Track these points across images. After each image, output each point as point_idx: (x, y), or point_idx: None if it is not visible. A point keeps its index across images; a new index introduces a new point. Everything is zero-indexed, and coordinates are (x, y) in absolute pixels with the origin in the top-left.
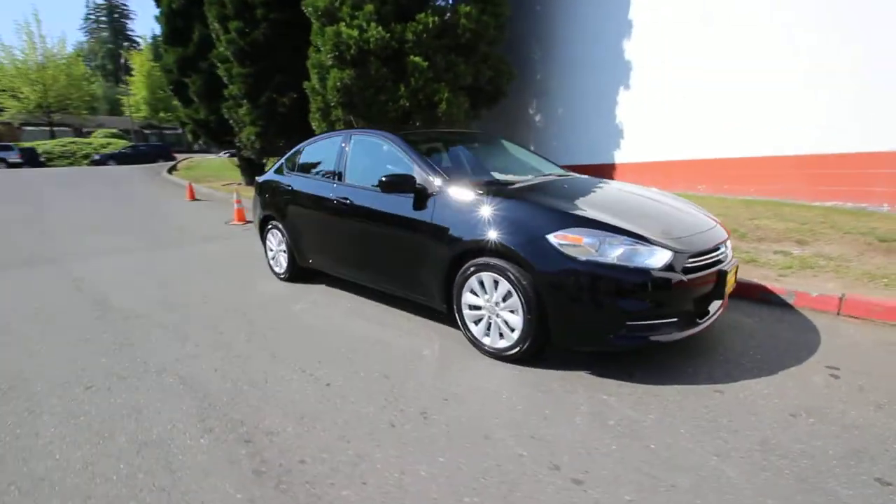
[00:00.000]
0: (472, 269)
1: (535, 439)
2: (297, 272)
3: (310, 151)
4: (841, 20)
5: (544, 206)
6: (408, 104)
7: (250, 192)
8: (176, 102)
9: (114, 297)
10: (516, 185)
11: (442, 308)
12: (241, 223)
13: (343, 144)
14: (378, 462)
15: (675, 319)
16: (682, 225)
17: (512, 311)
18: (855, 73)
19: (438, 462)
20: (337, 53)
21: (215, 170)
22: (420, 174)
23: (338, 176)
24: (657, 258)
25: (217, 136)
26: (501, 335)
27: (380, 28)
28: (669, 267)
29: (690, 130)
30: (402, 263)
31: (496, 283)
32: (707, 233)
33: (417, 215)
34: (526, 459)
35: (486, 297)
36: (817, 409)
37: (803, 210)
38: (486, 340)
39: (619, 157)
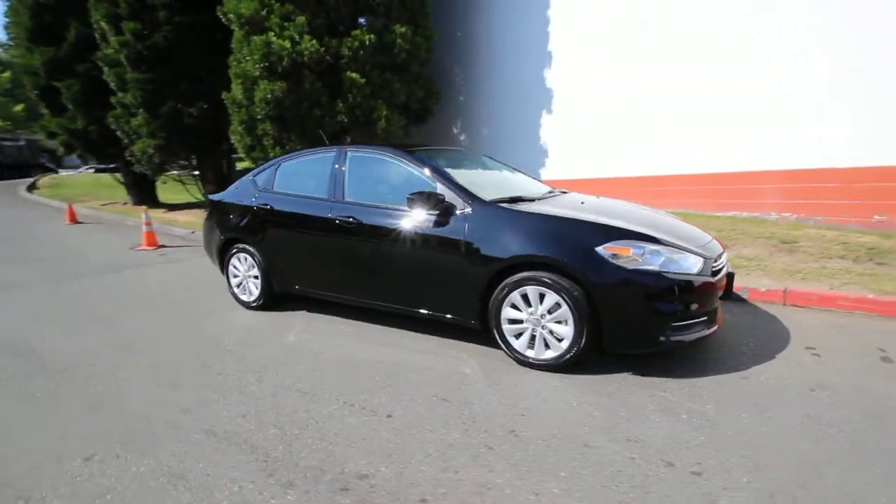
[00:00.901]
0: (514, 283)
1: (632, 441)
2: (272, 299)
3: (290, 169)
4: (716, 51)
5: (587, 221)
6: (346, 120)
7: (156, 213)
8: (44, 111)
9: (37, 342)
10: (539, 201)
11: (473, 325)
12: (153, 248)
13: (337, 162)
14: (504, 487)
15: (705, 318)
16: (696, 234)
17: (558, 322)
18: (734, 103)
19: (562, 477)
20: (267, 64)
21: (86, 187)
22: (445, 191)
23: (335, 194)
24: (692, 264)
25: (96, 149)
26: (547, 346)
27: (314, 41)
28: (702, 271)
29: (611, 151)
30: (428, 282)
31: (542, 296)
32: (713, 241)
33: (446, 232)
34: (639, 461)
35: (530, 310)
36: (824, 383)
37: (713, 220)
38: (530, 353)
39: (545, 174)
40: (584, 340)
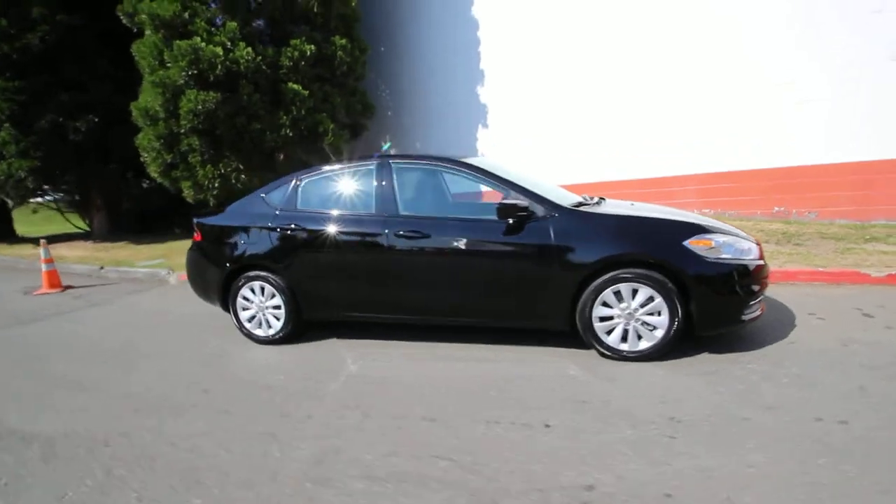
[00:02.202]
0: (606, 282)
1: (772, 408)
2: (298, 329)
3: (315, 186)
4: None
5: (668, 219)
6: (291, 134)
7: (21, 249)
8: None
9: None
10: (596, 205)
11: (562, 327)
12: (58, 290)
13: (380, 175)
14: (718, 468)
15: (761, 297)
16: (729, 225)
17: (651, 314)
18: (659, 116)
19: (752, 448)
20: (195, 72)
21: None
22: (527, 200)
23: (386, 209)
24: (751, 249)
25: None
26: (639, 338)
27: (250, 49)
28: (758, 256)
29: (549, 162)
30: (514, 291)
31: (634, 291)
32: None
33: (534, 240)
34: (796, 423)
35: (622, 305)
36: (845, 339)
37: None
38: (624, 346)
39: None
40: (675, 328)
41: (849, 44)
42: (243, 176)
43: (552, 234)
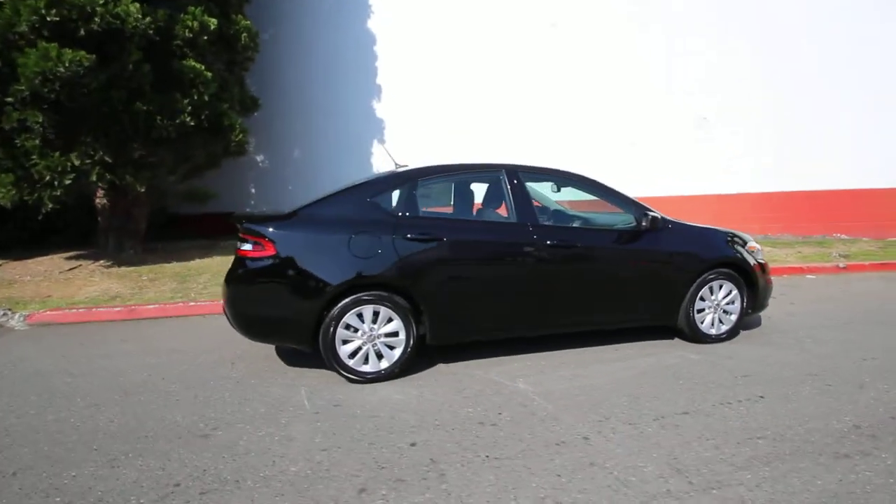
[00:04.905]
0: (706, 280)
1: (820, 374)
2: (414, 357)
3: (437, 188)
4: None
5: (732, 231)
6: (191, 122)
7: None
8: None
9: None
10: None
11: (675, 323)
12: None
13: (512, 183)
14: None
15: None
16: None
17: (730, 303)
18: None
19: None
20: (57, 19)
21: None
22: (640, 211)
23: (524, 218)
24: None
25: None
26: (713, 324)
27: (142, 6)
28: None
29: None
30: (644, 293)
31: (721, 286)
32: None
33: (664, 246)
34: (836, 382)
35: (713, 298)
36: (831, 298)
37: None
38: (713, 331)
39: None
40: (743, 310)
41: None
42: (108, 175)
43: (674, 242)
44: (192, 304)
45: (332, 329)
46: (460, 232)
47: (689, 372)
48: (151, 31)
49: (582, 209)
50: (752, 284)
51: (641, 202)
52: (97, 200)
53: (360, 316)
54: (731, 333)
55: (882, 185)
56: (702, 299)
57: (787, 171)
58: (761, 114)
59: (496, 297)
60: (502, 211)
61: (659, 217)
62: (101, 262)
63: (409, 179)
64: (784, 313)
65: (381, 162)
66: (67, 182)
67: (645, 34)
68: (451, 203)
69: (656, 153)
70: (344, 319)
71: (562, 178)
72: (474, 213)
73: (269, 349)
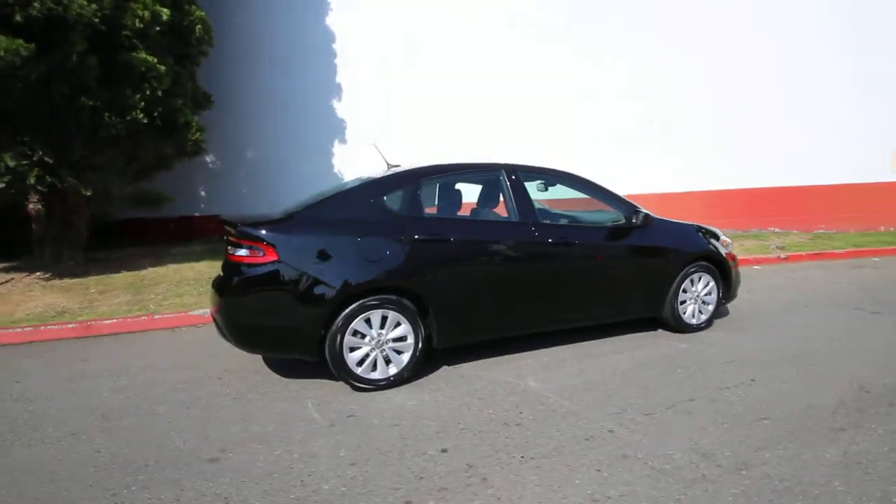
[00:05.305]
0: (687, 273)
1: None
2: (421, 362)
3: (440, 188)
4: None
5: (707, 226)
6: (143, 119)
7: None
8: None
9: None
10: None
11: (661, 314)
12: None
13: (512, 182)
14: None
15: None
16: None
17: (708, 294)
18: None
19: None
20: None
21: None
22: (631, 208)
23: (525, 216)
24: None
25: None
26: (693, 315)
27: None
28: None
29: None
30: (637, 288)
31: (700, 278)
32: None
33: (654, 242)
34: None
35: (693, 289)
36: (782, 297)
37: None
38: (693, 321)
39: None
40: (719, 300)
41: None
42: (49, 177)
43: (662, 237)
44: (158, 317)
45: (340, 336)
46: (467, 232)
47: (683, 360)
48: (98, 20)
49: (562, 208)
50: (727, 276)
51: (630, 200)
52: (31, 206)
53: (367, 321)
54: (709, 323)
55: (809, 183)
56: (684, 291)
57: (728, 172)
58: (706, 118)
59: (502, 296)
60: (501, 210)
61: (651, 214)
62: (38, 274)
63: (412, 179)
64: (745, 302)
65: (343, 164)
66: (0, 186)
67: (591, 44)
68: (442, 203)
69: (609, 154)
70: (352, 325)
71: (553, 177)
72: (477, 212)
73: (257, 362)
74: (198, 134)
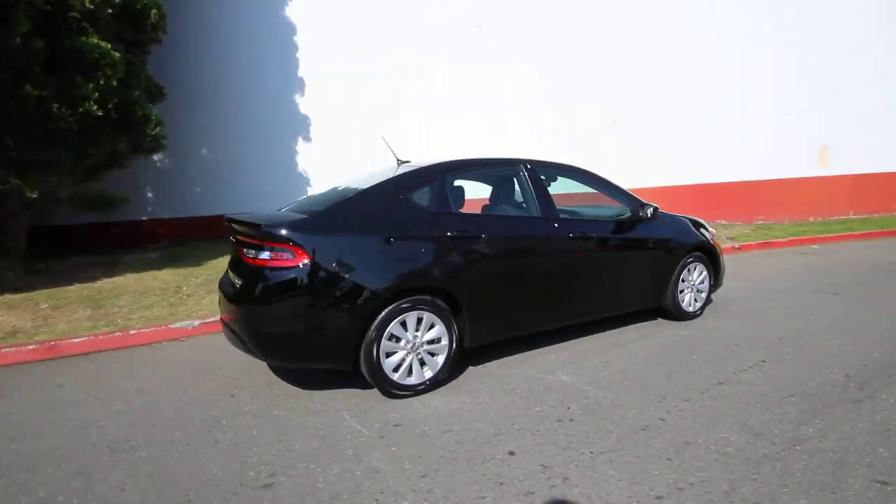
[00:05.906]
0: (686, 263)
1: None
2: (456, 363)
3: (466, 183)
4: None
5: (693, 218)
6: (98, 111)
7: None
8: None
9: None
10: None
11: (663, 303)
12: None
13: (532, 178)
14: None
15: None
16: None
17: (702, 283)
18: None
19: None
20: None
21: None
22: (637, 202)
23: (545, 212)
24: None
25: None
26: (690, 303)
27: None
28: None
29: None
30: (644, 280)
31: (695, 268)
32: None
33: (661, 234)
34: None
35: (690, 279)
36: (767, 286)
37: None
38: (691, 309)
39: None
40: (711, 288)
41: None
42: None
43: (665, 229)
44: (133, 332)
45: (377, 342)
46: (497, 228)
47: (694, 346)
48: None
49: (563, 203)
50: (717, 265)
51: (635, 194)
52: None
53: (403, 324)
54: (702, 310)
55: (747, 178)
56: (682, 281)
57: (675, 168)
58: (663, 116)
59: (529, 291)
60: (520, 205)
61: (658, 208)
62: None
63: (438, 175)
64: (722, 289)
65: (308, 163)
66: None
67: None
68: (459, 199)
69: (577, 149)
70: (388, 329)
71: (566, 172)
72: (494, 208)
73: (266, 374)
74: (157, 129)
